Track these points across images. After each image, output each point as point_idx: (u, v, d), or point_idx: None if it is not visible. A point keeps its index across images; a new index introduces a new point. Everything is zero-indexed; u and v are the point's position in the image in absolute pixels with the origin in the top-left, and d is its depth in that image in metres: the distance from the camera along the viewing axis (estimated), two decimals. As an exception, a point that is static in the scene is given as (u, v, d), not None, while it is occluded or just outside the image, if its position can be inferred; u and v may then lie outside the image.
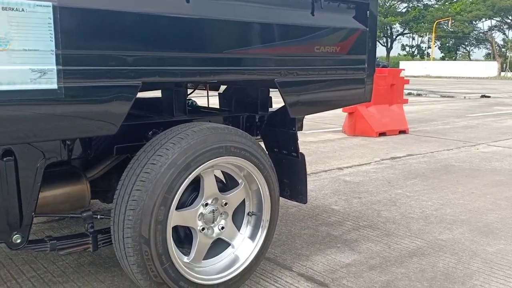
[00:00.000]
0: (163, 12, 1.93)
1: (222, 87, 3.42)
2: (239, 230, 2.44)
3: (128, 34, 1.86)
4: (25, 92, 1.64)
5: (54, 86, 1.69)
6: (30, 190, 2.00)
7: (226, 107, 3.23)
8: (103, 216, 2.38)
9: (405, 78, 8.17)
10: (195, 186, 2.25)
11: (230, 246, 2.41)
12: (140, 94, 2.05)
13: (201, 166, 2.12)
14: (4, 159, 1.90)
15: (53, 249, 2.16)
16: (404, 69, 8.58)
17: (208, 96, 3.47)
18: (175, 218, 2.11)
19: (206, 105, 3.33)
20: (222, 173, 2.46)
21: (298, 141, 2.66)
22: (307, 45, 2.42)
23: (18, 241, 2.03)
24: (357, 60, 2.73)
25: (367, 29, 2.76)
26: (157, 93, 2.74)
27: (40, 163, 2.00)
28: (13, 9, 1.56)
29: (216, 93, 3.45)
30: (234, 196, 2.37)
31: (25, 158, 1.95)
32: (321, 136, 7.49)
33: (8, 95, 1.61)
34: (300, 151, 2.68)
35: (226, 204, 2.33)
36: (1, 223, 1.97)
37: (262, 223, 2.43)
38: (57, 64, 1.68)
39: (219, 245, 2.39)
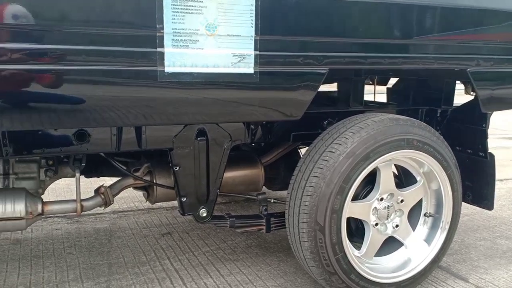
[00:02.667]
0: (354, -2, 1.90)
1: (391, 82, 3.27)
2: (413, 231, 2.29)
3: (316, 20, 1.87)
4: (226, 75, 1.77)
5: (251, 70, 1.79)
6: (217, 169, 2.16)
7: (395, 101, 3.08)
8: (276, 201, 2.46)
9: None
10: (370, 179, 2.17)
11: (403, 246, 2.27)
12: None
13: (380, 158, 2.04)
14: (198, 139, 2.08)
15: (232, 226, 2.30)
16: None
17: (375, 91, 3.35)
18: (350, 209, 2.07)
19: (373, 100, 3.22)
20: (397, 168, 2.34)
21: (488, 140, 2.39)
22: (508, 32, 2.15)
23: (204, 214, 2.21)
24: None
25: None
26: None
27: (227, 144, 2.15)
28: (222, -4, 1.69)
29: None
30: (412, 194, 2.23)
31: (215, 139, 2.11)
32: (492, 142, 6.68)
33: (212, 77, 1.75)
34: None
35: (402, 201, 2.20)
36: (192, 197, 2.17)
37: (441, 225, 2.24)
38: (255, 49, 1.77)
39: (391, 244, 2.27)
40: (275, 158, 2.64)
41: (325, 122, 2.36)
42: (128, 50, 1.63)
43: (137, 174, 2.35)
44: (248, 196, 2.83)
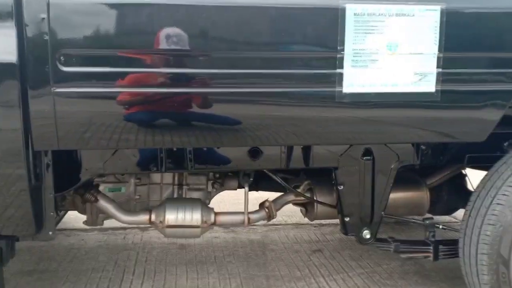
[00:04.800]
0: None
1: None
2: None
3: (508, 34, 1.72)
4: (404, 95, 1.72)
5: (432, 89, 1.71)
6: (382, 190, 2.10)
7: None
8: (445, 227, 2.30)
9: None
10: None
11: None
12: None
13: None
14: (364, 158, 2.05)
15: (396, 250, 2.21)
16: None
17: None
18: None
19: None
20: None
21: None
22: None
23: (367, 236, 2.16)
24: None
25: None
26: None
27: (394, 165, 2.08)
28: (405, 14, 1.65)
29: None
30: None
31: (382, 159, 2.06)
32: None
33: (389, 97, 1.72)
34: None
35: None
36: (355, 217, 2.14)
37: None
38: (437, 67, 1.69)
39: None
40: (441, 180, 2.48)
41: (505, 144, 2.14)
42: (308, 72, 1.69)
43: (298, 190, 2.39)
44: (399, 218, 2.70)
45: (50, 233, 1.80)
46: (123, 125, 1.64)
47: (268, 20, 1.62)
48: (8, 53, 1.50)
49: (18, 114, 1.53)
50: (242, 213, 2.33)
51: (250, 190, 2.68)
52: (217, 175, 2.49)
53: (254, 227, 3.46)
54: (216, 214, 2.30)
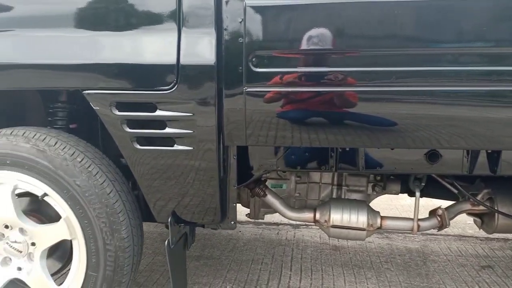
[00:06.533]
0: None
1: None
2: None
3: None
4: None
5: None
6: None
7: None
8: None
9: None
10: None
11: None
12: None
13: None
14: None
15: None
16: None
17: None
18: None
19: None
20: None
21: None
22: None
23: None
24: None
25: None
26: None
27: None
28: None
29: None
30: None
31: None
32: None
33: None
34: None
35: None
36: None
37: None
38: None
39: None
40: None
41: None
42: (497, 70, 1.53)
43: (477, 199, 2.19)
44: None
45: (232, 222, 1.91)
46: (304, 123, 1.67)
47: (464, 14, 1.51)
48: (208, 56, 1.62)
49: (214, 112, 1.65)
50: (411, 219, 2.21)
51: (413, 195, 2.55)
52: (378, 178, 2.41)
53: (411, 235, 3.28)
54: (382, 218, 2.22)
